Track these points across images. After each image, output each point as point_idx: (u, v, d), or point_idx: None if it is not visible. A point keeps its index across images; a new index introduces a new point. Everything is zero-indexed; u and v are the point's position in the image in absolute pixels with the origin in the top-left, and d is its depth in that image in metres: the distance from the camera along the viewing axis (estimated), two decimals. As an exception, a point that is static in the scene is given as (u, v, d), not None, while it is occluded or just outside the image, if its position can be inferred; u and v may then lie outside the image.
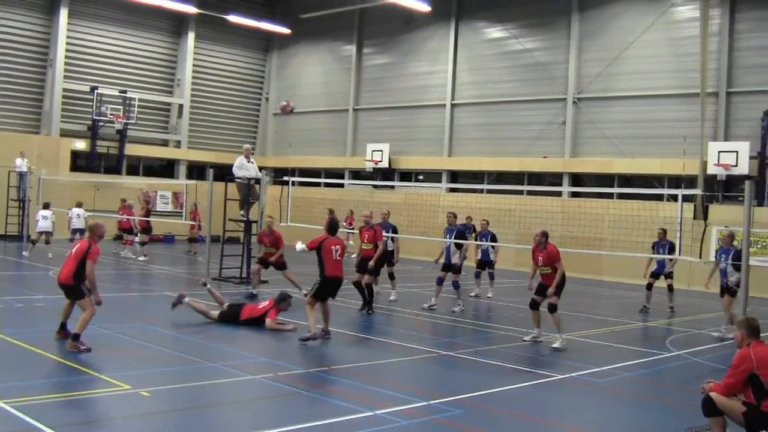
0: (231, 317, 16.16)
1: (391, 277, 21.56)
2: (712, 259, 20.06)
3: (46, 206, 29.18)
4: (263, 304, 16.42)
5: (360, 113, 44.32)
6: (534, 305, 15.97)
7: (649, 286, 21.89)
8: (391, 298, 21.23)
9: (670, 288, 22.08)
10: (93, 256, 12.90)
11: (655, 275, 22.08)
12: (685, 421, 9.67)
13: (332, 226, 15.58)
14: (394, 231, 21.61)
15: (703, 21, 30.87)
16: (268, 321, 15.85)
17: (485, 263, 23.73)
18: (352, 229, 30.26)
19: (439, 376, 12.99)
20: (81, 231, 29.09)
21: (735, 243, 17.86)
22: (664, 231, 21.72)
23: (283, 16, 46.02)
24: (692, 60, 31.47)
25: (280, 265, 21.14)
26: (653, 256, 21.80)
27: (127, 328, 15.32)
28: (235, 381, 11.62)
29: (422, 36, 41.47)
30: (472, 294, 23.11)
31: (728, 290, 17.78)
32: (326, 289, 15.23)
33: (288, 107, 17.65)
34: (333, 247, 15.11)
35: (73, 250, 13.15)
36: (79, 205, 30.59)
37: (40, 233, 28.59)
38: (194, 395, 10.66)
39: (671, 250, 20.64)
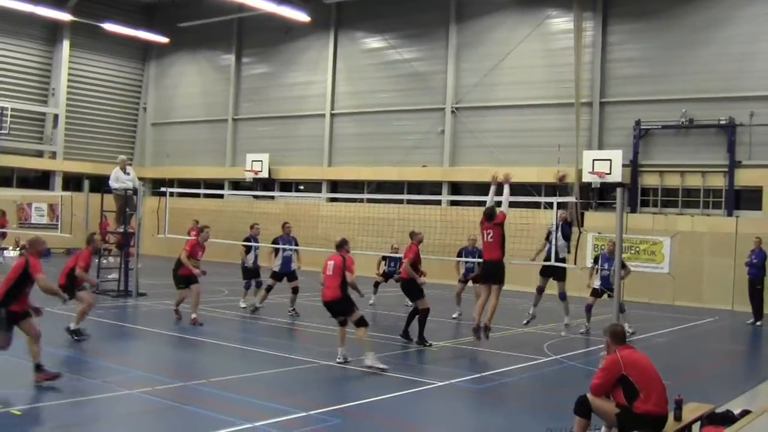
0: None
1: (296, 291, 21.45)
2: (588, 264, 20.49)
3: None
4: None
5: (239, 123, 44.02)
6: None
7: (589, 308, 19.53)
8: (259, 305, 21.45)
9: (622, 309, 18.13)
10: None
11: (597, 293, 19.62)
12: (553, 423, 9.84)
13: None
14: (296, 243, 21.70)
15: (577, 33, 31.63)
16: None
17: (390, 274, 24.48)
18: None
19: (319, 386, 12.93)
20: None
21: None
22: (614, 243, 18.47)
23: (160, 25, 45.37)
24: (567, 71, 32.20)
25: None
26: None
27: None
28: (110, 396, 11.36)
29: (301, 46, 41.41)
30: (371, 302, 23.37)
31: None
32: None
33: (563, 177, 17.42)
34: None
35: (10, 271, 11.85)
36: None
37: None
38: (68, 413, 10.37)
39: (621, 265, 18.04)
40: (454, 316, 21.88)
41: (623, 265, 18.20)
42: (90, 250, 16.50)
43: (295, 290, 21.27)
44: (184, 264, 18.84)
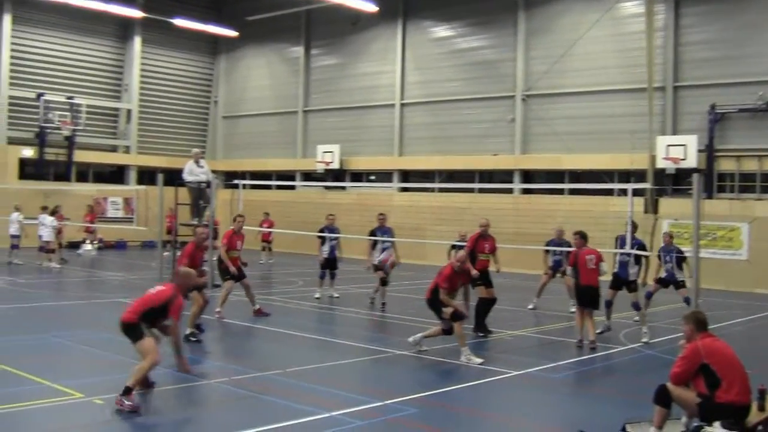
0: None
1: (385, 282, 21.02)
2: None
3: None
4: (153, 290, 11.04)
5: (309, 115, 44.19)
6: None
7: (649, 295, 18.94)
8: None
9: (688, 301, 17.92)
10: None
11: (663, 282, 19.16)
12: (631, 412, 9.71)
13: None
14: (392, 235, 21.28)
15: (649, 16, 31.11)
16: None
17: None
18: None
19: (394, 375, 12.94)
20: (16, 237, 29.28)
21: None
22: (671, 236, 19.76)
23: (229, 19, 45.76)
24: (639, 55, 31.68)
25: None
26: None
27: (79, 335, 15.14)
28: (190, 386, 11.50)
29: (370, 36, 41.44)
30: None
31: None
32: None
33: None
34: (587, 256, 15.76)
35: (154, 290, 10.89)
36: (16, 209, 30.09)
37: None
38: (149, 401, 10.50)
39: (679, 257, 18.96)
40: (530, 306, 21.44)
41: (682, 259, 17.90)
42: (194, 244, 15.86)
43: (384, 282, 20.91)
44: (224, 260, 18.57)
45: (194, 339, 15.04)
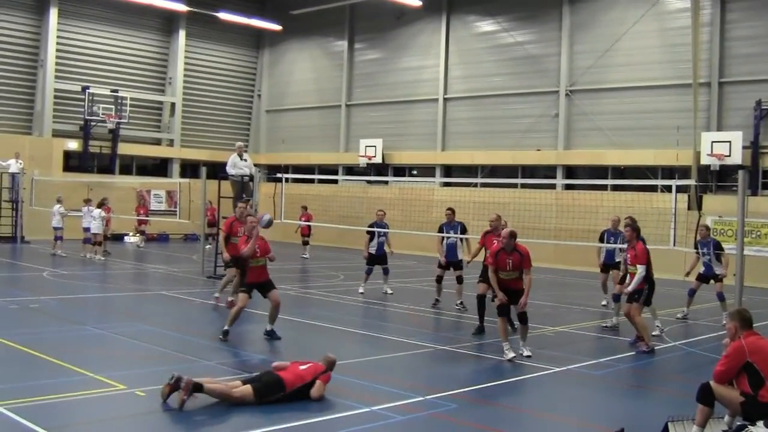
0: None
1: (459, 280, 19.90)
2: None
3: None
4: (304, 366, 10.84)
5: (352, 109, 44.24)
6: None
7: (692, 292, 19.15)
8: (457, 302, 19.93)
9: (721, 297, 18.69)
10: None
11: (702, 278, 19.18)
12: (673, 410, 9.63)
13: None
14: (463, 230, 20.06)
15: (695, 11, 30.84)
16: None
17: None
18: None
19: (435, 371, 12.93)
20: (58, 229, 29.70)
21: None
22: (707, 228, 19.62)
23: (273, 13, 45.91)
24: (684, 50, 31.43)
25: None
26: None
27: (121, 327, 15.26)
28: (231, 379, 11.55)
29: (413, 30, 41.38)
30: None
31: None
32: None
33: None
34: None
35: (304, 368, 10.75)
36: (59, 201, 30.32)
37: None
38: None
39: (717, 249, 18.87)
40: (603, 303, 20.79)
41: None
42: (246, 236, 14.85)
43: (459, 279, 19.85)
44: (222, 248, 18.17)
45: (272, 337, 14.80)
